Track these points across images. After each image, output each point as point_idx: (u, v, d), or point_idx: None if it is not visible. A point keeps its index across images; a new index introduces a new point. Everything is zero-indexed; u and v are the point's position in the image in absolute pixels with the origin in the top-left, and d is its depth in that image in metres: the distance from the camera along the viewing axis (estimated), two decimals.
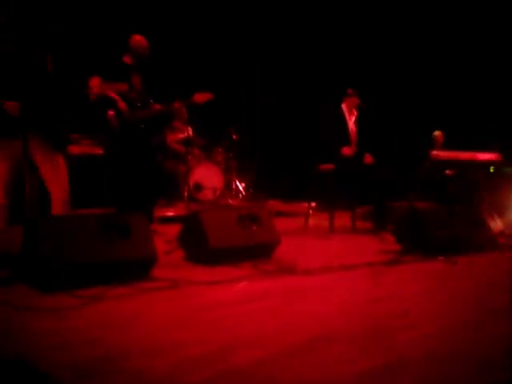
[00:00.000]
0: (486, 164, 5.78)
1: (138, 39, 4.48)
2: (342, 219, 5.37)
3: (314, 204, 6.17)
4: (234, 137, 7.22)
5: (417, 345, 1.98)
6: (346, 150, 5.25)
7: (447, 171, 6.54)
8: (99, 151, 5.84)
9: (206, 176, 6.51)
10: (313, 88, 7.74)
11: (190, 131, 6.81)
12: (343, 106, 5.55)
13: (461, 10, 7.14)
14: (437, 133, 7.42)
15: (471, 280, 3.16)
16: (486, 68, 7.18)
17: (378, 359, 1.82)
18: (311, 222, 5.48)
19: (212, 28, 7.56)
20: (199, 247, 3.44)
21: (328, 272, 3.23)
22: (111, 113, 4.20)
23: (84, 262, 2.74)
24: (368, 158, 5.32)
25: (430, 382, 1.68)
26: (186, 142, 6.50)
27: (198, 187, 6.44)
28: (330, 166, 5.19)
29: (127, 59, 4.47)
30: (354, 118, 5.55)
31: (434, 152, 5.83)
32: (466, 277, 3.25)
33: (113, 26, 6.35)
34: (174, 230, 3.85)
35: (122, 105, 4.27)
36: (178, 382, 1.64)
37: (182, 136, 6.77)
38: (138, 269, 2.96)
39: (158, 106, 4.50)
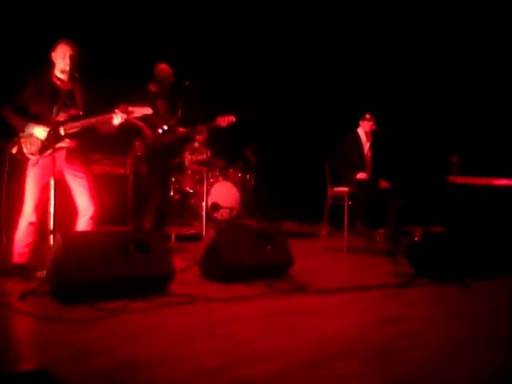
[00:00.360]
0: (503, 189, 5.79)
1: (162, 68, 4.71)
2: (358, 241, 5.43)
3: (328, 226, 6.23)
4: (251, 158, 7.38)
5: (419, 365, 2.04)
6: (361, 175, 5.34)
7: (463, 196, 6.55)
8: (120, 171, 6.05)
9: (223, 196, 6.65)
10: (328, 109, 7.86)
11: (208, 153, 6.97)
12: (359, 130, 5.65)
13: (486, 31, 7.19)
14: (454, 158, 7.46)
15: (482, 305, 3.18)
16: (507, 93, 7.21)
17: (381, 377, 1.89)
18: (326, 243, 5.54)
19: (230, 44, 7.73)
20: (215, 265, 3.54)
21: (340, 292, 3.30)
22: (137, 140, 4.47)
23: (105, 277, 2.86)
24: (384, 183, 5.40)
25: None
26: (205, 162, 6.66)
27: (215, 207, 6.57)
28: (345, 189, 5.27)
29: (152, 87, 4.71)
30: (369, 143, 5.65)
31: (451, 177, 5.88)
32: (478, 301, 3.27)
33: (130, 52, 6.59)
34: (191, 247, 3.96)
35: (148, 132, 4.50)
36: None
37: (200, 157, 6.93)
38: (157, 284, 3.07)
39: (181, 130, 4.73)
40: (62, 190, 3.48)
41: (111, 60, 6.24)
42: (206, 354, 2.07)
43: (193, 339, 2.28)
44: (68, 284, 2.75)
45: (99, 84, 3.82)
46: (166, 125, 4.56)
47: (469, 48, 7.15)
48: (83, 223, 3.54)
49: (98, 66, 5.21)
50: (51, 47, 3.55)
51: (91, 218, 3.53)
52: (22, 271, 3.43)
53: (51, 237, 3.09)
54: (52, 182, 3.22)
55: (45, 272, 3.06)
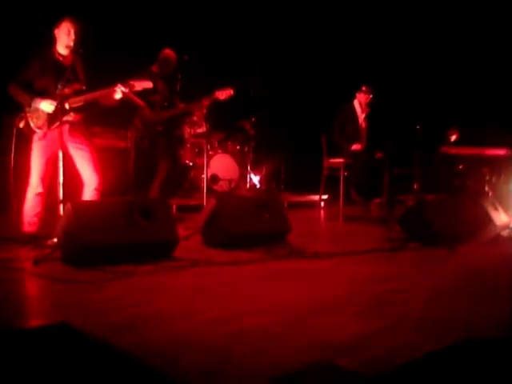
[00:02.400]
0: (495, 159, 5.95)
1: (167, 53, 4.95)
2: (353, 211, 5.61)
3: (326, 196, 6.40)
4: (250, 131, 7.50)
5: (407, 314, 2.23)
6: (356, 146, 5.49)
7: (457, 166, 6.71)
8: (121, 144, 6.18)
9: (223, 168, 6.81)
10: (325, 82, 7.94)
11: (207, 126, 7.10)
12: (355, 101, 5.77)
13: (476, 7, 7.23)
14: (450, 129, 7.59)
15: (465, 266, 3.38)
16: (502, 66, 7.29)
17: (372, 323, 2.09)
18: (323, 212, 5.73)
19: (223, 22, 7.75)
20: (216, 232, 3.72)
21: (336, 256, 3.49)
22: (136, 118, 4.69)
23: (113, 243, 3.04)
24: (379, 154, 5.56)
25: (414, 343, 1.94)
26: (204, 135, 6.79)
27: (215, 179, 6.74)
28: (341, 160, 5.43)
29: (155, 68, 4.94)
30: (365, 114, 5.78)
31: (444, 148, 6.04)
32: (461, 263, 3.47)
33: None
34: (193, 217, 4.13)
35: (147, 110, 4.76)
36: (196, 339, 1.93)
37: (199, 130, 7.06)
38: (162, 250, 3.26)
39: (181, 105, 4.94)
40: (69, 163, 3.63)
41: (113, 38, 6.31)
42: (208, 308, 2.26)
43: (196, 297, 2.47)
44: (79, 249, 2.93)
45: (102, 62, 3.95)
46: (165, 102, 4.78)
47: (468, 19, 7.19)
48: (89, 194, 3.70)
49: (100, 45, 5.31)
50: (52, 25, 3.66)
51: (96, 188, 3.70)
52: (33, 240, 3.61)
53: (61, 206, 3.26)
54: (60, 155, 3.37)
55: (55, 240, 3.24)
